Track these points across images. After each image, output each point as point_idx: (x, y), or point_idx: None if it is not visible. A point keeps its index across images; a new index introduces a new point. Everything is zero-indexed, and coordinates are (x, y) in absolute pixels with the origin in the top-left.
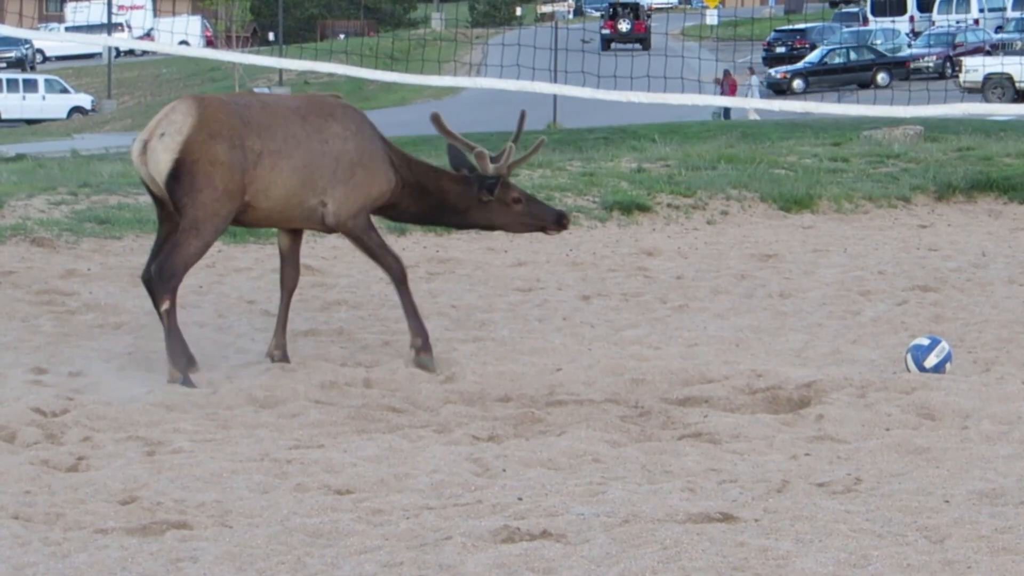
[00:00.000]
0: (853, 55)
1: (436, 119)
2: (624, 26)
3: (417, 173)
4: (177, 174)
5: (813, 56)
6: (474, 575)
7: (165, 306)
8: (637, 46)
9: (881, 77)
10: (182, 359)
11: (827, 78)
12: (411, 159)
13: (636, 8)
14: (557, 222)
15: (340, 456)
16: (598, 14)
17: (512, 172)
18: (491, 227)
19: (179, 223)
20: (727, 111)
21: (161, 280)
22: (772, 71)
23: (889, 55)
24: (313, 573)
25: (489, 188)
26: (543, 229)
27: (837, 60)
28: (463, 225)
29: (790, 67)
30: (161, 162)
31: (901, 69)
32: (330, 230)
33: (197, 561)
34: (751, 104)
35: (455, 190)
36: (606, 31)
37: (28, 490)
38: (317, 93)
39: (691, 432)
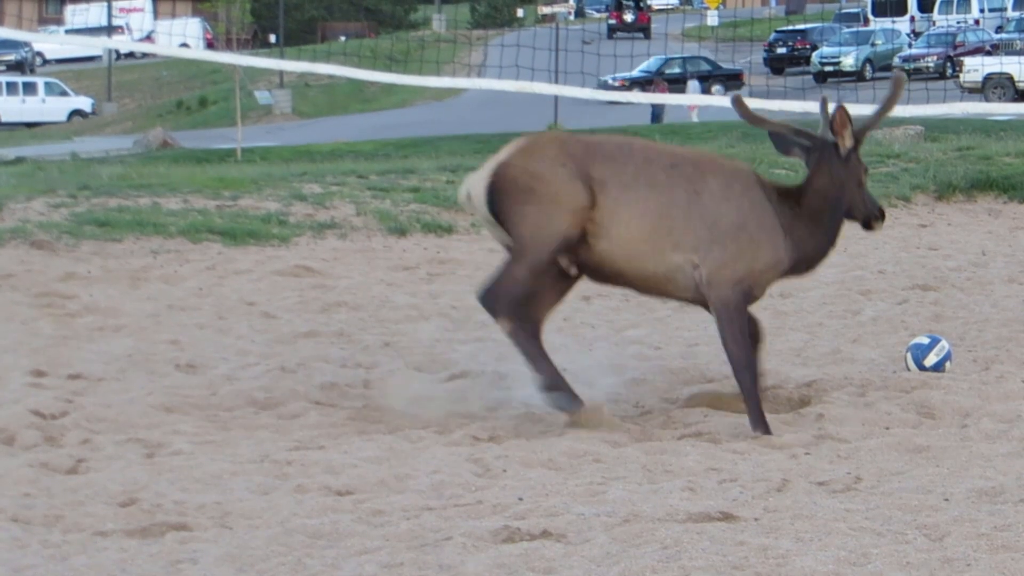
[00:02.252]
0: (689, 66)
1: (738, 102)
2: (628, 16)
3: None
4: (495, 194)
5: (650, 64)
6: (475, 575)
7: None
8: (640, 35)
9: (716, 89)
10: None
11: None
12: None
13: None
14: (881, 215)
15: (340, 457)
16: (599, 15)
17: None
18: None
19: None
20: (656, 115)
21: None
22: (609, 78)
23: (724, 67)
24: (313, 574)
25: (847, 159)
26: (868, 221)
27: (675, 70)
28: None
29: (627, 75)
30: (478, 186)
31: (736, 81)
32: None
33: (197, 563)
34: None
35: (823, 190)
36: (612, 21)
37: (27, 492)
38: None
39: (691, 432)
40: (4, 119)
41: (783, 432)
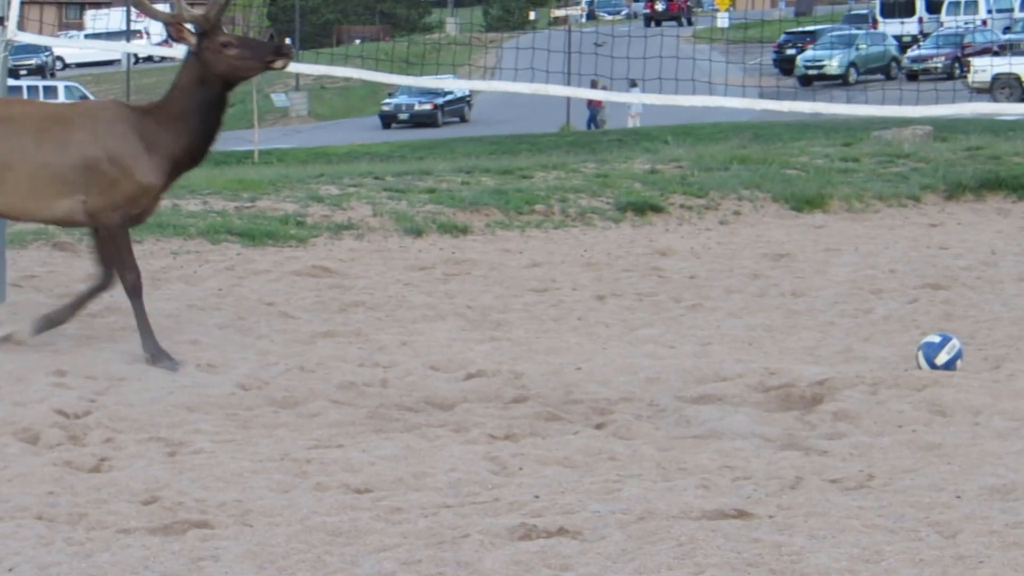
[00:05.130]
0: None
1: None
2: (659, 5)
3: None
4: None
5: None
6: (492, 572)
7: None
8: (674, 24)
9: (634, 89)
10: None
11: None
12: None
13: None
14: (277, 52)
15: (359, 455)
16: (610, 17)
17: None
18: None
19: None
20: (593, 121)
21: None
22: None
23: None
24: (333, 571)
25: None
26: (267, 65)
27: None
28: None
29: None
30: None
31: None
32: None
33: (218, 560)
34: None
35: (183, 78)
36: (646, 11)
37: (51, 491)
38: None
39: (705, 430)
40: None
41: (795, 428)
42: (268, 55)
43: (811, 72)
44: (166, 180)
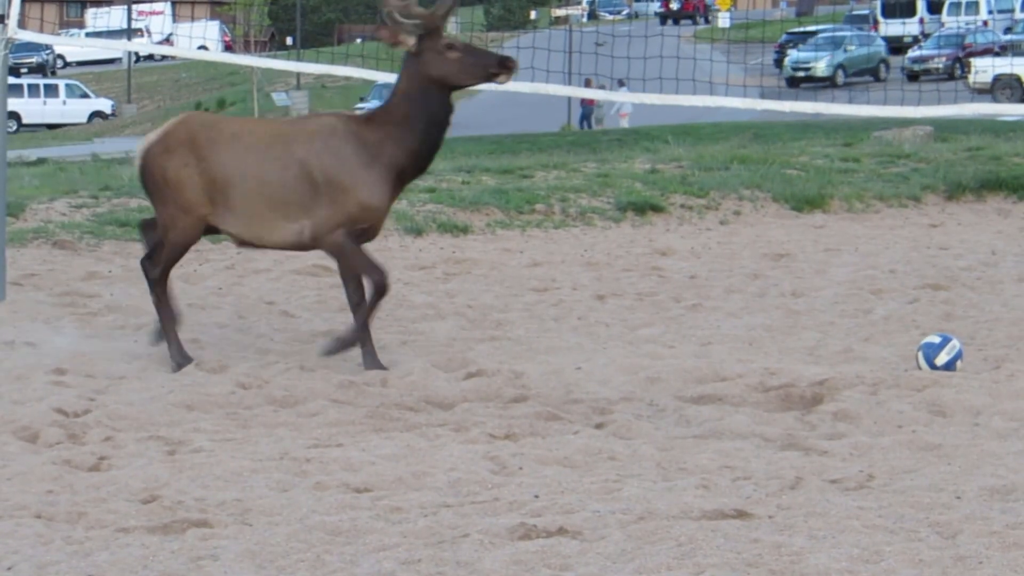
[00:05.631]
0: None
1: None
2: (674, 4)
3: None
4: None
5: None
6: (491, 572)
7: None
8: (689, 22)
9: (623, 89)
10: None
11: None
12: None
13: None
14: (503, 65)
15: (358, 455)
16: (611, 17)
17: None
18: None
19: None
20: (587, 119)
21: None
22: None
23: None
24: (332, 571)
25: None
26: (490, 77)
27: None
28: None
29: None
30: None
31: None
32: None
33: (218, 559)
34: (759, 105)
35: (404, 93)
36: (662, 10)
37: (50, 489)
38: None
39: (705, 430)
40: (26, 121)
41: (795, 429)
42: (493, 66)
43: (798, 74)
44: (391, 191)
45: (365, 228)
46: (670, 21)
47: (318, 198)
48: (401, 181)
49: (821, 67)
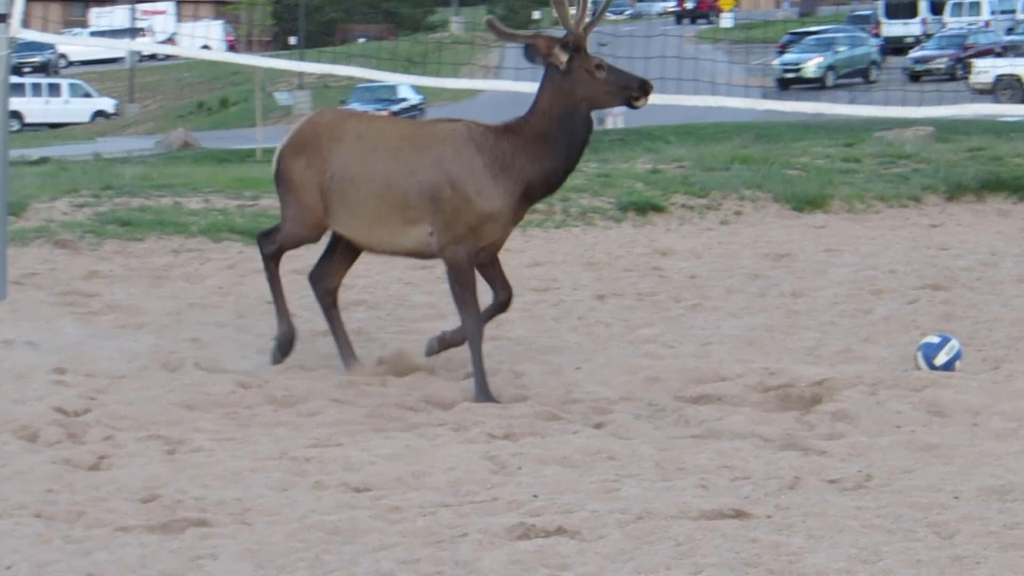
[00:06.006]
0: None
1: (491, 23)
2: (689, 3)
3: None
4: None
5: None
6: (490, 571)
7: None
8: (704, 21)
9: None
10: None
11: (409, 116)
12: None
13: None
14: (643, 88)
15: (358, 454)
16: (614, 17)
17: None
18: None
19: None
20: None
21: None
22: None
23: None
24: (331, 570)
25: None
26: (630, 101)
27: None
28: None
29: None
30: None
31: None
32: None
33: (217, 558)
34: (760, 105)
35: (547, 108)
36: (677, 9)
37: (50, 488)
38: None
39: (704, 430)
40: (29, 120)
41: (795, 429)
42: (635, 89)
43: (788, 75)
44: (517, 208)
45: (487, 243)
46: (686, 20)
47: (443, 205)
48: (528, 198)
49: (811, 68)
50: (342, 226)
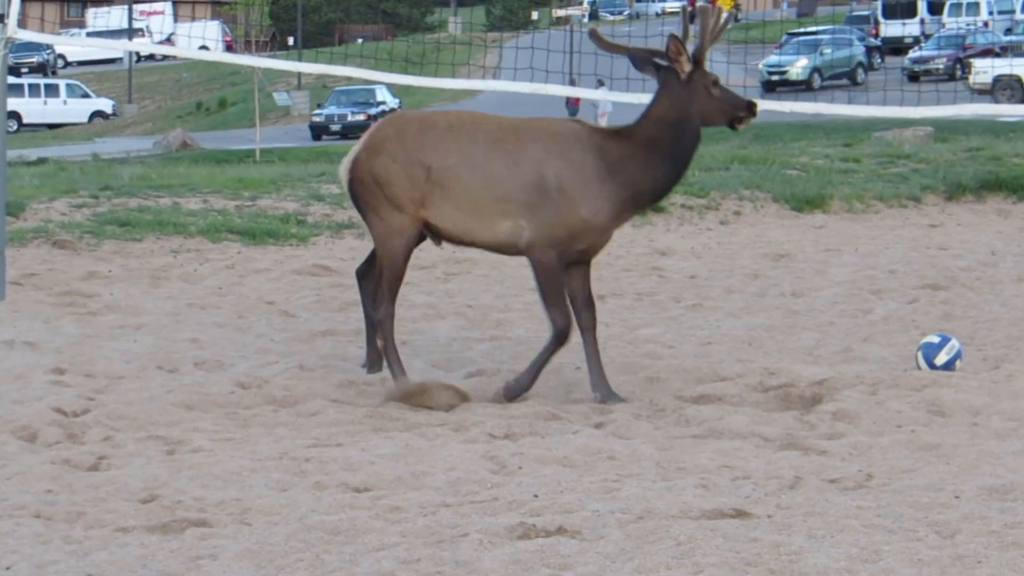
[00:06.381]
0: None
1: (594, 34)
2: (700, 2)
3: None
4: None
5: None
6: (490, 571)
7: None
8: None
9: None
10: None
11: None
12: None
13: None
14: (749, 110)
15: (358, 454)
16: (612, 17)
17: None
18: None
19: None
20: (573, 113)
21: None
22: None
23: None
24: (331, 570)
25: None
26: (732, 122)
27: None
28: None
29: None
30: (343, 179)
31: None
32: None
33: (217, 559)
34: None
35: (662, 116)
36: (690, 10)
37: (49, 489)
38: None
39: (705, 429)
40: (27, 120)
41: (795, 428)
42: (743, 109)
43: (774, 77)
44: (619, 214)
45: (583, 248)
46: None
47: (543, 202)
48: (634, 206)
49: (796, 70)
50: (437, 216)
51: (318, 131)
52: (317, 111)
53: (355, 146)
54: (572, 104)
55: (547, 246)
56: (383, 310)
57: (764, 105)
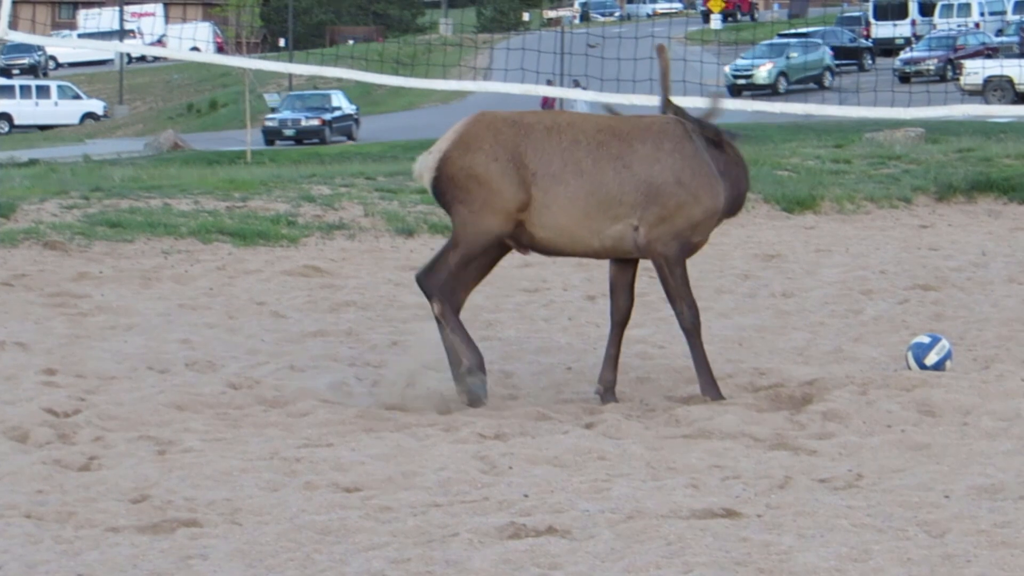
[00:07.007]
0: None
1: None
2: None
3: None
4: (438, 187)
5: None
6: (480, 571)
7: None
8: (728, 20)
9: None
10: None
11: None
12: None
13: None
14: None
15: (348, 454)
16: (603, 18)
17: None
18: None
19: None
20: None
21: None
22: None
23: None
24: (322, 570)
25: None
26: None
27: None
28: None
29: None
30: (426, 175)
31: None
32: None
33: (207, 558)
34: (750, 106)
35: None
36: (704, 8)
37: (40, 489)
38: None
39: (695, 429)
40: (18, 122)
41: (785, 428)
42: None
43: (739, 81)
44: (723, 213)
45: (699, 241)
46: (712, 18)
47: (660, 199)
48: (727, 211)
49: (762, 74)
50: (537, 223)
51: (271, 136)
52: (270, 116)
53: (439, 143)
54: (549, 105)
55: (670, 239)
56: (438, 278)
57: (754, 106)
